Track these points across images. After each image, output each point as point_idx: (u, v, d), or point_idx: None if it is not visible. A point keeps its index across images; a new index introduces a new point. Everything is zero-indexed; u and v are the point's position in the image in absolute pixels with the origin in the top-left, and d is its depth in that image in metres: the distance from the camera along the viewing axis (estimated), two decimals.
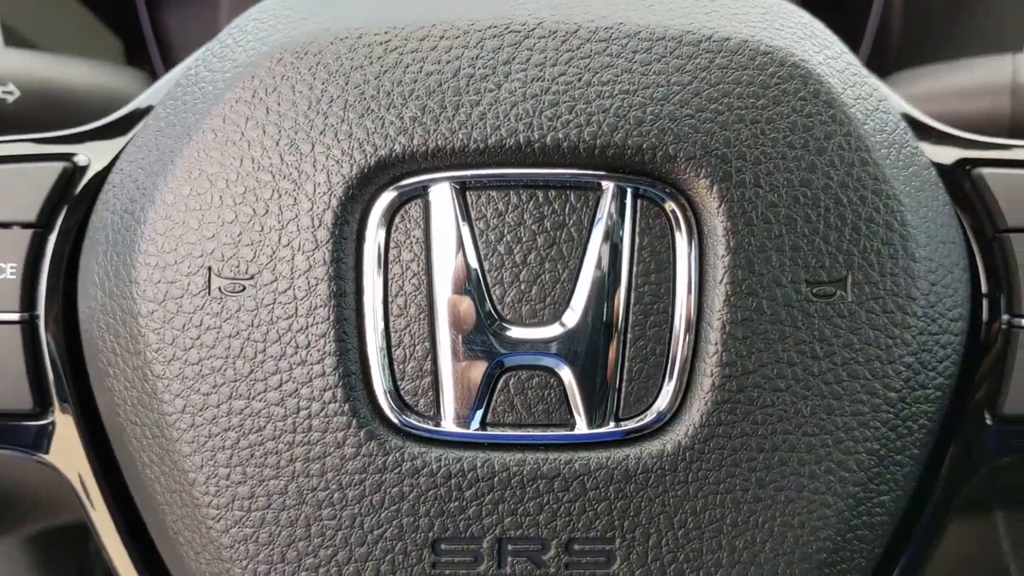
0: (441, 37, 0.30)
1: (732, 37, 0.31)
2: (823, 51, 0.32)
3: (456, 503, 0.29)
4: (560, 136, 0.29)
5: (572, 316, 0.30)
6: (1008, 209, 0.35)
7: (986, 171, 0.36)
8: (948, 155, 0.37)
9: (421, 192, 0.30)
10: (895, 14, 0.82)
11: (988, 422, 0.35)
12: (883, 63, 0.82)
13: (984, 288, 0.35)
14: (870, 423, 0.30)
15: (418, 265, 0.30)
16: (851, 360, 0.30)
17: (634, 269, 0.30)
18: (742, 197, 0.29)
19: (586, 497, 0.29)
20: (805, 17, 0.34)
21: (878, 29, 0.83)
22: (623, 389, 0.30)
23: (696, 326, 0.30)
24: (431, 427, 0.30)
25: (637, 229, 0.30)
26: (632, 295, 0.30)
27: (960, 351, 0.32)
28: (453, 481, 0.29)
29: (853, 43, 0.83)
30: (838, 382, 0.30)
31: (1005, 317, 0.35)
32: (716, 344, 0.29)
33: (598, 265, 0.30)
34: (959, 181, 0.36)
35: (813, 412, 0.30)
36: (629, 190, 0.30)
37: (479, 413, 0.30)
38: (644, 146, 0.29)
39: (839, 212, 0.30)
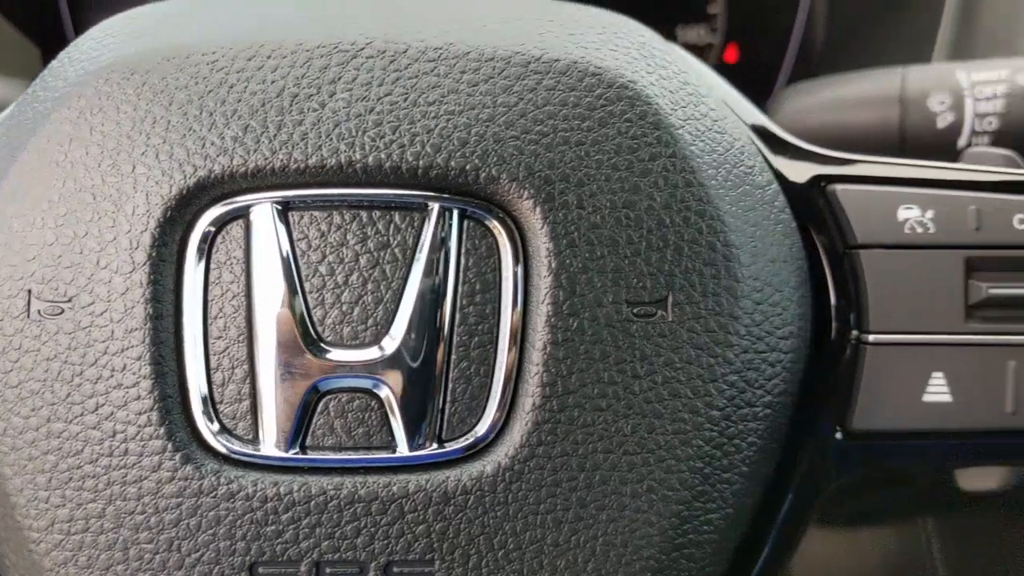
0: (268, 56, 0.30)
1: (561, 58, 0.31)
2: (657, 72, 0.32)
3: (273, 527, 0.29)
4: (382, 156, 0.29)
5: (394, 338, 0.30)
6: (857, 225, 0.36)
7: (838, 187, 0.36)
8: (804, 171, 0.37)
9: (244, 213, 0.30)
10: (819, 22, 0.82)
11: (838, 437, 0.35)
12: (808, 70, 0.82)
13: (834, 304, 0.35)
14: (692, 441, 0.30)
15: (238, 287, 0.30)
16: (672, 379, 0.30)
17: (459, 290, 0.30)
18: (565, 218, 0.29)
19: (404, 520, 0.29)
20: (647, 36, 0.34)
21: (803, 36, 0.83)
22: (446, 411, 0.30)
23: (520, 347, 0.30)
24: (250, 451, 0.30)
25: (463, 250, 0.30)
26: (456, 316, 0.30)
27: (793, 368, 0.33)
28: (270, 505, 0.29)
29: (779, 50, 0.84)
30: (659, 401, 0.30)
31: (854, 333, 0.35)
32: (538, 365, 0.29)
33: (422, 286, 0.30)
34: (814, 197, 0.36)
35: (634, 431, 0.30)
36: (455, 211, 0.30)
37: (298, 436, 0.30)
38: (467, 167, 0.29)
39: (662, 233, 0.30)
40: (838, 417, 0.35)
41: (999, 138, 0.49)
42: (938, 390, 0.35)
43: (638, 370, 0.30)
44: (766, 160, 0.37)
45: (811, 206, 0.36)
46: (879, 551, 1.03)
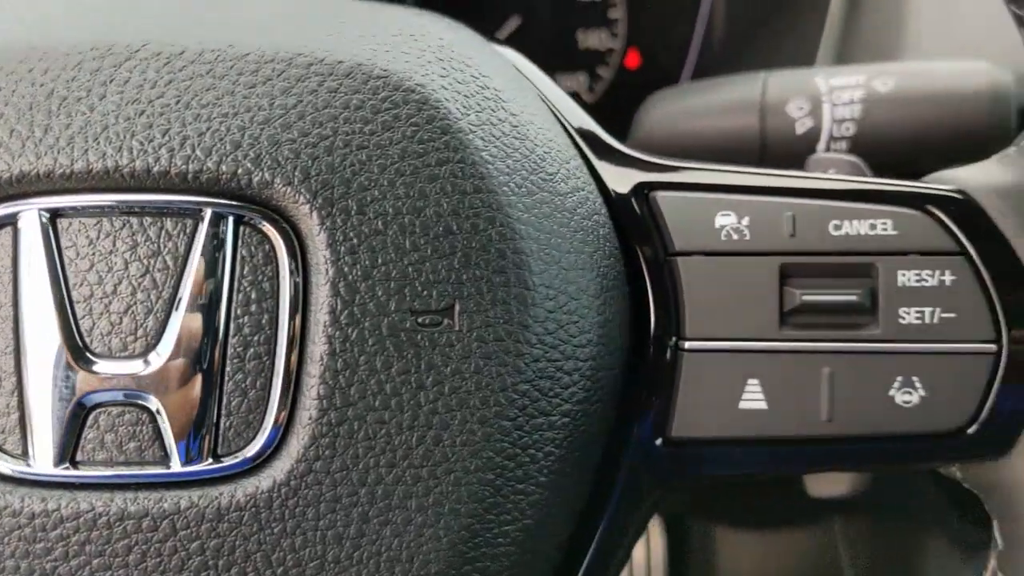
0: (39, 59, 0.29)
1: (346, 60, 0.30)
2: (451, 75, 0.31)
3: (42, 544, 0.28)
4: (151, 161, 0.28)
5: (165, 349, 0.28)
6: (676, 233, 0.35)
7: (659, 194, 0.36)
8: (628, 178, 0.36)
9: (11, 221, 0.29)
10: (717, 27, 0.82)
11: (658, 445, 0.35)
12: (708, 74, 0.82)
13: (653, 312, 0.35)
14: (482, 453, 0.29)
15: (5, 297, 0.28)
16: (460, 389, 0.29)
17: (234, 299, 0.29)
18: (344, 224, 0.29)
19: (177, 537, 0.28)
20: (447, 39, 0.33)
21: (703, 41, 0.83)
22: (221, 425, 0.29)
23: (299, 358, 0.29)
24: (20, 467, 0.28)
25: (238, 257, 0.29)
26: (231, 326, 0.29)
27: (595, 376, 0.32)
28: (37, 522, 0.28)
29: (680, 55, 0.84)
30: (447, 412, 0.29)
31: (672, 340, 0.35)
32: (315, 377, 0.28)
33: (194, 295, 0.29)
34: (637, 205, 0.36)
35: (420, 443, 0.29)
36: (230, 217, 0.29)
37: (68, 452, 0.28)
38: (239, 171, 0.28)
39: (449, 240, 0.29)
40: (658, 425, 0.35)
41: (857, 143, 0.49)
42: (754, 397, 0.35)
43: (424, 381, 0.29)
44: (590, 166, 0.37)
45: (633, 213, 0.36)
46: (786, 554, 1.03)
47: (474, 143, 0.30)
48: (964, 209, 0.34)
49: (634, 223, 0.36)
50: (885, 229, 0.34)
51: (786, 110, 0.50)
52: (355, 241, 0.29)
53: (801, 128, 0.50)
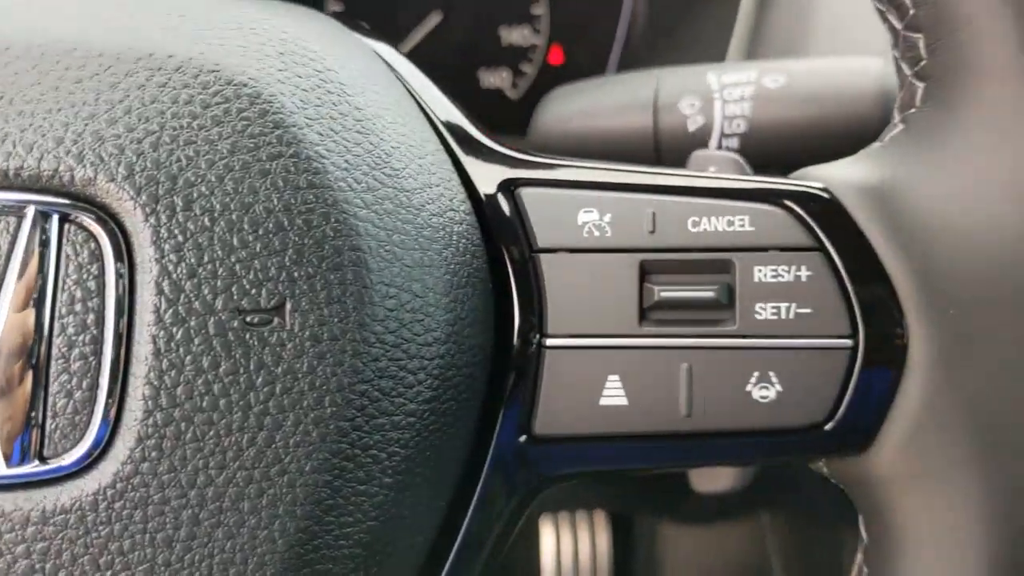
0: None
1: (176, 55, 0.29)
2: (291, 69, 0.31)
3: None
4: None
5: None
6: (539, 229, 0.35)
7: (524, 191, 0.36)
8: (495, 174, 0.36)
9: None
10: (639, 23, 0.82)
11: (522, 443, 0.35)
12: (632, 66, 0.82)
13: (517, 309, 0.35)
14: (317, 454, 0.29)
15: None
16: (293, 390, 0.29)
17: (58, 298, 0.28)
18: (169, 221, 0.28)
19: (2, 541, 0.28)
20: (291, 32, 0.32)
21: (626, 38, 0.83)
22: (47, 426, 0.28)
23: (126, 359, 0.28)
24: None
25: (63, 256, 0.28)
26: (55, 326, 0.28)
27: (444, 375, 0.32)
28: None
29: (603, 52, 0.84)
30: (280, 412, 0.29)
31: (536, 337, 0.35)
32: (140, 378, 0.28)
33: (16, 294, 0.28)
34: (504, 201, 0.36)
35: (251, 444, 0.29)
36: (54, 215, 0.28)
37: None
38: (60, 168, 0.28)
39: (280, 236, 0.29)
40: (522, 422, 0.35)
41: (748, 140, 0.50)
42: (614, 393, 0.34)
43: (254, 381, 0.28)
44: (457, 162, 0.36)
45: (499, 210, 0.36)
46: (721, 547, 1.04)
47: (309, 137, 0.29)
48: (822, 205, 0.34)
49: (500, 220, 0.35)
50: (743, 225, 0.34)
51: (679, 107, 0.50)
52: (180, 238, 0.28)
53: (693, 125, 0.50)
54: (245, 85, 0.29)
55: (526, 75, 0.84)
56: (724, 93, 0.50)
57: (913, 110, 0.35)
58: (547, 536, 1.12)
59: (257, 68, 0.30)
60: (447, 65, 0.82)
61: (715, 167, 0.44)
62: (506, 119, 0.59)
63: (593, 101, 0.53)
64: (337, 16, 0.39)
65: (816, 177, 0.36)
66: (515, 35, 0.83)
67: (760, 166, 0.48)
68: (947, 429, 0.32)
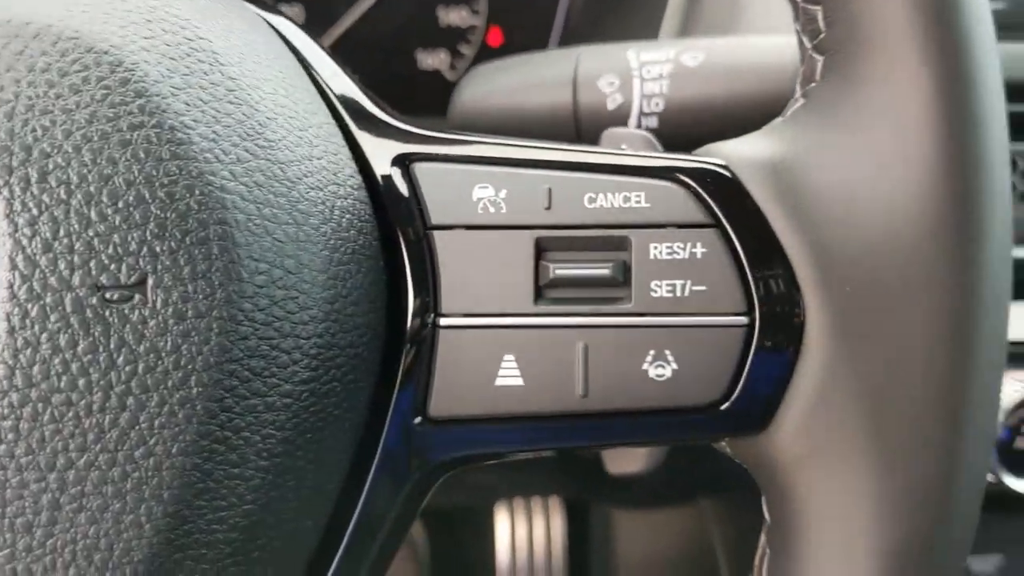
0: None
1: (34, 22, 0.28)
2: (158, 37, 0.30)
3: None
4: None
5: None
6: (433, 206, 0.34)
7: (419, 166, 0.35)
8: (390, 149, 0.35)
9: None
10: (578, 4, 0.82)
11: (417, 424, 0.34)
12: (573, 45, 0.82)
13: (411, 288, 0.34)
14: (184, 435, 0.28)
15: None
16: (156, 369, 0.28)
17: None
18: (24, 194, 0.27)
19: None
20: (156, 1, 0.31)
21: (566, 19, 0.82)
22: None
23: None
24: None
25: None
26: None
27: (325, 355, 0.31)
28: None
29: (543, 33, 0.83)
30: (143, 392, 0.28)
31: (430, 317, 0.34)
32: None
33: None
34: (398, 177, 0.35)
35: (113, 425, 0.27)
36: None
37: None
38: None
39: (141, 209, 0.28)
40: (417, 403, 0.34)
41: (666, 119, 0.49)
42: (510, 373, 0.34)
43: (115, 360, 0.27)
44: (350, 136, 0.35)
45: (394, 186, 0.35)
46: (670, 534, 1.04)
47: (174, 107, 0.28)
48: (719, 181, 0.34)
49: (394, 196, 0.34)
50: (639, 202, 0.34)
51: (598, 85, 0.50)
52: (35, 211, 0.27)
53: (612, 104, 0.49)
54: (106, 52, 0.28)
55: (465, 57, 0.83)
56: (643, 71, 0.49)
57: (813, 84, 0.35)
58: (502, 523, 1.11)
59: (120, 35, 0.29)
60: (384, 46, 0.81)
61: (626, 145, 0.44)
62: (444, 101, 0.58)
63: (512, 79, 0.52)
64: None
65: (717, 153, 0.35)
66: (453, 16, 0.82)
67: (679, 145, 0.48)
68: (843, 409, 0.32)
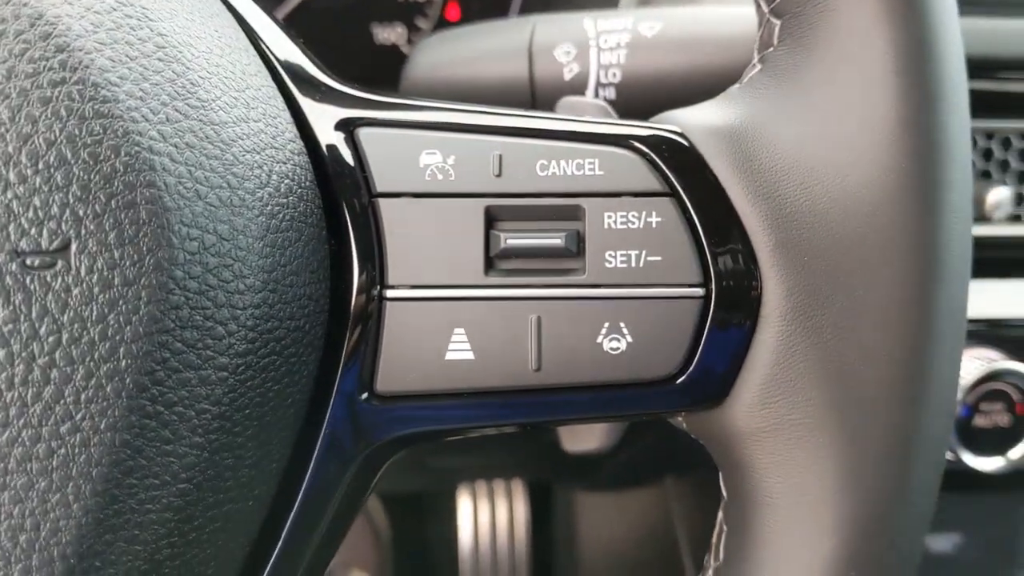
0: None
1: None
2: None
3: None
4: None
5: None
6: (379, 173, 0.33)
7: (363, 131, 0.33)
8: (332, 114, 0.34)
9: None
10: None
11: (364, 400, 0.33)
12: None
13: (356, 258, 0.33)
14: (112, 410, 0.27)
15: None
16: (81, 340, 0.26)
17: None
18: None
19: None
20: None
21: None
22: None
23: None
24: None
25: None
26: None
27: (263, 327, 0.29)
28: None
29: (502, 6, 0.82)
30: (67, 364, 0.26)
31: (377, 289, 0.33)
32: None
33: None
34: (344, 143, 0.33)
35: (37, 399, 0.26)
36: None
37: None
38: None
39: (64, 171, 0.26)
40: (364, 378, 0.33)
41: (623, 90, 0.48)
42: (460, 347, 0.33)
43: (37, 330, 0.26)
44: (291, 99, 0.34)
45: (337, 152, 0.33)
46: (632, 515, 1.04)
47: (99, 63, 0.27)
48: (675, 149, 0.33)
49: (338, 163, 0.33)
50: (592, 169, 0.33)
51: (554, 55, 0.48)
52: None
53: (569, 74, 0.48)
54: (26, 5, 0.26)
55: (422, 31, 0.81)
56: (600, 40, 0.48)
57: (770, 49, 0.34)
58: (464, 506, 1.11)
59: None
60: (339, 20, 0.79)
61: (583, 114, 0.43)
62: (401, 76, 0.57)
63: (466, 49, 0.51)
64: None
65: (673, 121, 0.34)
66: None
67: (635, 115, 0.47)
68: (800, 382, 0.31)
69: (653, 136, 0.33)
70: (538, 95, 0.49)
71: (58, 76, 0.26)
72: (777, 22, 0.34)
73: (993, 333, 0.59)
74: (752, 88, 0.34)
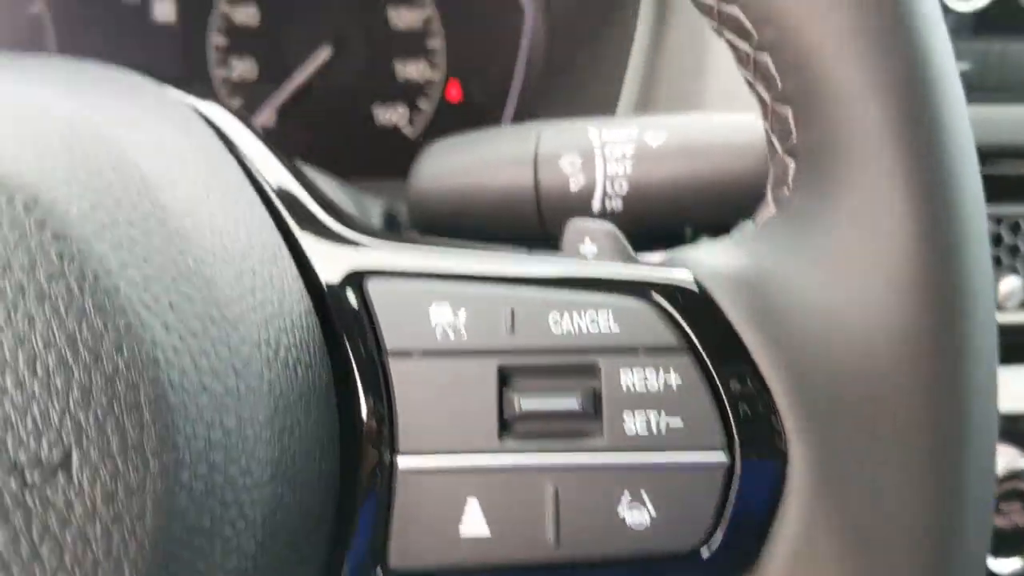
0: None
1: None
2: (79, 165, 0.27)
3: None
4: None
5: None
6: (388, 329, 0.32)
7: (371, 283, 0.32)
8: (338, 259, 0.33)
9: None
10: (538, 63, 0.80)
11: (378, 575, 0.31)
12: (533, 110, 0.80)
13: (365, 423, 0.31)
14: None
15: None
16: (86, 561, 0.25)
17: None
18: None
19: None
20: (79, 115, 0.28)
21: (525, 75, 0.81)
22: None
23: None
24: None
25: None
26: None
27: (271, 506, 0.28)
28: None
29: (503, 89, 0.81)
30: None
31: (388, 456, 0.31)
32: None
33: None
34: (350, 293, 0.32)
35: None
36: None
37: None
38: None
39: (64, 374, 0.25)
40: (377, 552, 0.31)
41: (631, 201, 0.47)
42: (475, 520, 0.31)
43: (38, 551, 0.24)
44: (292, 240, 0.33)
45: (345, 305, 0.32)
46: None
47: (98, 249, 0.25)
48: (690, 299, 0.32)
49: (345, 316, 0.32)
50: (607, 322, 0.32)
51: (559, 165, 0.48)
52: None
53: (575, 185, 0.47)
54: (20, 189, 0.25)
55: (423, 112, 0.81)
56: (605, 150, 0.47)
57: (785, 191, 0.33)
58: None
59: (39, 169, 0.26)
60: (340, 102, 0.79)
61: (591, 240, 0.42)
62: (403, 158, 0.56)
63: (470, 157, 0.50)
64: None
65: (686, 261, 0.33)
66: (411, 70, 0.80)
67: (644, 229, 0.46)
68: (828, 552, 0.30)
69: (668, 285, 0.32)
70: (543, 205, 0.48)
71: (56, 268, 0.25)
72: (791, 161, 0.33)
73: (1010, 428, 0.57)
74: (769, 234, 0.33)
